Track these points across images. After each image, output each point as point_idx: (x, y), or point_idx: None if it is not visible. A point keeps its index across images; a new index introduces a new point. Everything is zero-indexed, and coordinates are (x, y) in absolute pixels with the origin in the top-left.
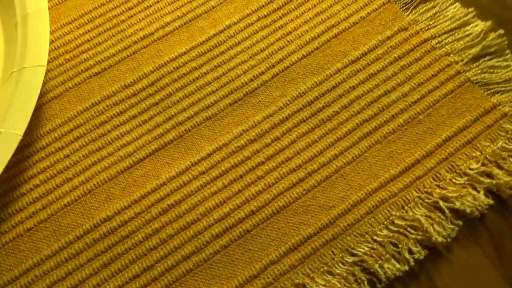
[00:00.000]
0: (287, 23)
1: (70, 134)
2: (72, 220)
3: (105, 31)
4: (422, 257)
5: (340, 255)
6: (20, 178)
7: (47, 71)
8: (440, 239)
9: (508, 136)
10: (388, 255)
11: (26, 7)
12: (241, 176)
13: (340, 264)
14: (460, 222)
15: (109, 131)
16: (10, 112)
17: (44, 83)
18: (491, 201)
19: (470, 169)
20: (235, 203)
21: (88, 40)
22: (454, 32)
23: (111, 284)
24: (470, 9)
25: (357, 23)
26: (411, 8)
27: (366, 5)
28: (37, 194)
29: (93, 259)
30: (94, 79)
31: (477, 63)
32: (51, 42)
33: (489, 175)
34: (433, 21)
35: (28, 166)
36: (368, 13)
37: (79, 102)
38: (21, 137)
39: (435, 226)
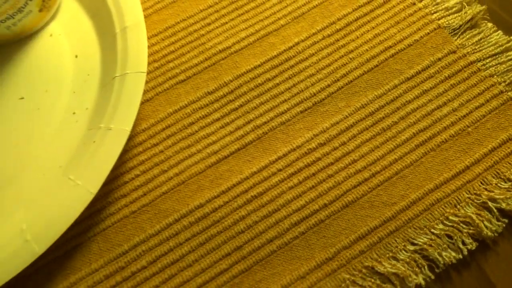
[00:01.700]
0: (348, 43)
1: (162, 133)
2: (170, 206)
3: (187, 43)
4: (473, 248)
5: (403, 244)
6: (123, 169)
7: None
8: (489, 233)
9: None
10: (444, 245)
11: (124, 20)
12: (313, 174)
13: (403, 251)
14: (506, 220)
15: (196, 131)
16: (118, 111)
17: None
18: None
19: None
20: (310, 197)
21: (173, 51)
22: (497, 56)
23: (207, 260)
24: (511, 37)
25: (411, 45)
26: (459, 34)
27: (419, 29)
28: (138, 183)
29: (190, 239)
30: (180, 86)
31: None
32: None
33: None
34: (478, 46)
35: (129, 159)
36: (421, 36)
37: (168, 105)
38: (129, 133)
39: (484, 222)
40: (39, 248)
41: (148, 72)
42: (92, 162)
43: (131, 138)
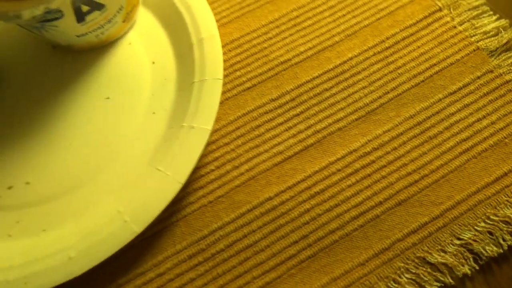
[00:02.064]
0: (397, 59)
1: (233, 133)
2: (243, 198)
3: (251, 55)
4: None
5: (450, 239)
6: (200, 163)
7: None
8: None
9: None
10: (487, 241)
11: (200, 33)
12: (369, 175)
13: (451, 245)
14: None
15: (262, 133)
16: (199, 112)
17: None
18: None
19: None
20: (366, 195)
21: (239, 61)
22: None
23: (277, 246)
24: None
25: (453, 63)
26: (496, 55)
27: (460, 50)
28: (213, 176)
29: (262, 227)
30: (247, 92)
31: None
32: None
33: None
34: None
35: (204, 155)
36: (462, 56)
37: (237, 109)
38: (210, 131)
39: None
40: (138, 228)
41: None
42: (179, 156)
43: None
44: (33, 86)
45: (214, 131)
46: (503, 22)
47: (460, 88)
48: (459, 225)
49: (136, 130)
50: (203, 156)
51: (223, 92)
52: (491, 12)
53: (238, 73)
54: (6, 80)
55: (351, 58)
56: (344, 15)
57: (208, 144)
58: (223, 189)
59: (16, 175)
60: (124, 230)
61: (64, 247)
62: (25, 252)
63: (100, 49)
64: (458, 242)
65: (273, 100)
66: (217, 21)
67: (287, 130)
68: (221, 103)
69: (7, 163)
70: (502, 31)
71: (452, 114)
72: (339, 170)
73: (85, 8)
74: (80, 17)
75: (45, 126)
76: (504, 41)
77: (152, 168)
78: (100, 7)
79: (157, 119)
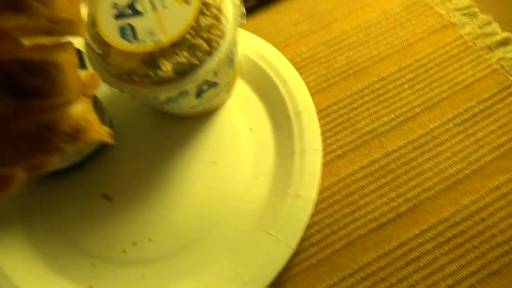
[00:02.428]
0: (476, 132)
1: (329, 199)
2: (343, 262)
3: (340, 124)
4: None
5: None
6: None
7: None
8: None
9: None
10: None
11: (297, 105)
12: (460, 244)
13: None
14: None
15: (357, 200)
16: (304, 181)
17: None
18: None
19: None
20: (460, 263)
21: (329, 130)
22: None
23: None
24: None
25: None
26: None
27: None
28: (314, 240)
29: None
30: (339, 160)
31: None
32: None
33: None
34: None
35: None
36: None
37: (331, 175)
38: (315, 200)
39: None
40: None
41: None
42: (288, 222)
43: None
44: (146, 149)
45: None
46: None
47: None
48: None
49: (241, 193)
50: None
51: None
52: None
53: (328, 141)
54: (123, 143)
55: (432, 129)
56: (422, 88)
57: None
58: (324, 252)
59: (139, 231)
60: None
61: None
62: None
63: (204, 115)
64: None
65: (363, 167)
66: None
67: (379, 197)
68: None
69: (130, 219)
70: None
71: None
72: (432, 239)
73: (205, 87)
74: (199, 95)
75: (159, 185)
76: None
77: (262, 232)
78: (215, 85)
79: (260, 184)
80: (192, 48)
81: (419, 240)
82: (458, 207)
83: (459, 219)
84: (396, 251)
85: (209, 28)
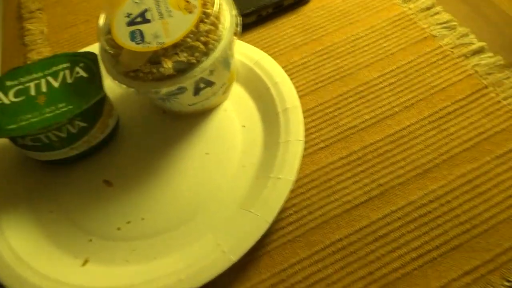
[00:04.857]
0: (449, 127)
1: (308, 184)
2: (317, 238)
3: (324, 121)
4: None
5: (500, 281)
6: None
7: None
8: None
9: None
10: None
11: (285, 103)
12: (426, 223)
13: (501, 286)
14: None
15: (333, 185)
16: (285, 166)
17: None
18: None
19: None
20: (424, 239)
21: (314, 126)
22: None
23: (347, 280)
24: None
25: (499, 132)
26: None
27: (505, 120)
28: (292, 219)
29: (333, 263)
30: (321, 151)
31: None
32: None
33: None
34: None
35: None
36: (507, 126)
37: (312, 164)
38: (293, 181)
39: None
40: (234, 257)
41: None
42: (267, 201)
43: None
44: (147, 142)
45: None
46: None
47: (506, 153)
48: (509, 269)
49: (229, 179)
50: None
51: (304, 150)
52: None
53: (313, 135)
54: (127, 136)
55: (409, 126)
56: (402, 90)
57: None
58: (300, 230)
59: (134, 212)
60: (223, 259)
61: (174, 271)
62: (142, 274)
63: (202, 114)
64: (508, 284)
65: (342, 158)
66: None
67: (354, 183)
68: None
69: (127, 202)
70: None
71: (499, 174)
72: (399, 218)
73: (202, 85)
74: (197, 92)
75: (156, 173)
76: None
77: (244, 211)
78: (212, 84)
79: (246, 171)
80: (191, 49)
81: (388, 220)
82: (426, 191)
83: (426, 201)
84: (366, 229)
85: (207, 33)
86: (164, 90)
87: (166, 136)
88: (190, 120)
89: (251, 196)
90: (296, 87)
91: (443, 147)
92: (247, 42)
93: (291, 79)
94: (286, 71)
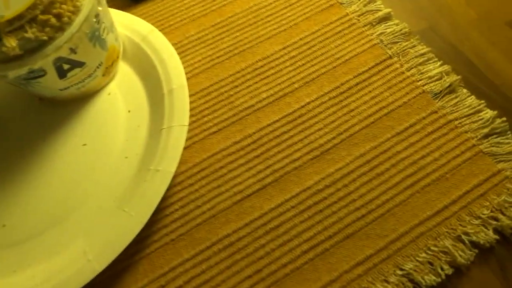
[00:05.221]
0: (350, 103)
1: (198, 174)
2: (203, 235)
3: (219, 102)
4: (450, 273)
5: (393, 269)
6: (165, 204)
7: None
8: (462, 261)
9: (509, 192)
10: (426, 270)
11: (171, 83)
12: (320, 211)
13: (393, 275)
14: (476, 250)
15: (225, 174)
16: (165, 156)
17: None
18: (497, 237)
19: (483, 214)
20: (317, 229)
21: (207, 108)
22: (470, 116)
23: (232, 281)
24: (482, 101)
25: (401, 106)
26: (440, 97)
27: (407, 93)
28: (177, 215)
29: (219, 263)
30: (213, 136)
31: (487, 139)
32: None
33: (496, 219)
34: (455, 107)
35: (170, 195)
36: (409, 99)
37: (203, 152)
38: (173, 174)
39: (459, 252)
40: (99, 266)
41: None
42: (143, 198)
43: (173, 178)
44: (16, 134)
45: (180, 173)
46: (446, 67)
47: (406, 128)
48: (402, 256)
49: (109, 173)
50: (168, 196)
51: (191, 137)
52: (436, 59)
53: (205, 119)
54: None
55: (308, 103)
56: (303, 64)
57: (174, 185)
58: (185, 227)
59: None
60: (87, 269)
61: (32, 285)
62: None
63: (83, 99)
64: (400, 272)
65: (236, 142)
66: (189, 72)
67: (247, 170)
68: (189, 147)
69: None
70: (445, 75)
71: (399, 152)
72: (293, 207)
73: (66, 66)
74: (62, 74)
75: (24, 172)
76: (447, 84)
77: (119, 210)
78: (80, 64)
79: (129, 163)
80: (41, 24)
81: (281, 210)
82: (323, 175)
83: (322, 187)
84: (257, 221)
85: (61, 3)
86: (12, 73)
87: (40, 127)
88: (69, 108)
89: (129, 192)
90: (191, 65)
91: (342, 125)
92: (141, 14)
93: (186, 55)
94: (181, 46)
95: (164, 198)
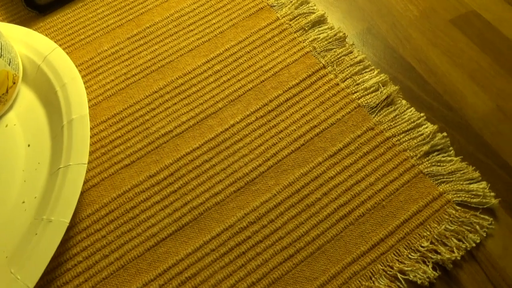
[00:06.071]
0: (279, 123)
1: (106, 218)
2: None
3: (133, 128)
4: None
5: None
6: (66, 256)
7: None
8: None
9: (451, 219)
10: None
11: (71, 113)
12: (243, 253)
13: None
14: None
15: (137, 215)
16: (59, 203)
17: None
18: (438, 273)
19: (422, 246)
20: (239, 276)
21: (120, 137)
22: (409, 131)
23: None
24: (422, 114)
25: (334, 123)
26: (376, 111)
27: (341, 108)
28: (80, 269)
29: None
30: (125, 170)
31: (428, 158)
32: (90, 137)
33: (436, 252)
34: (393, 122)
35: (72, 245)
36: (343, 115)
37: (113, 189)
38: (68, 224)
39: None
40: None
41: (95, 158)
42: (32, 256)
43: (75, 225)
44: None
45: (85, 217)
46: (383, 77)
47: (340, 149)
48: None
49: (3, 223)
50: (71, 247)
51: (100, 172)
52: (373, 67)
53: (117, 149)
54: None
55: (233, 125)
56: (228, 80)
57: (78, 232)
58: (89, 283)
59: None
60: None
61: None
62: None
63: None
64: None
65: (151, 176)
66: (100, 95)
67: (162, 209)
68: (97, 184)
69: None
70: (382, 86)
71: (331, 178)
72: (213, 250)
73: None
74: None
75: None
76: (384, 96)
77: (7, 270)
78: None
79: (25, 209)
80: None
81: (199, 254)
82: (246, 210)
83: (245, 224)
84: (171, 270)
85: None
86: None
87: None
88: None
89: (21, 248)
90: (103, 86)
91: (270, 149)
92: (48, 28)
93: (98, 74)
94: (92, 64)
95: (64, 249)
